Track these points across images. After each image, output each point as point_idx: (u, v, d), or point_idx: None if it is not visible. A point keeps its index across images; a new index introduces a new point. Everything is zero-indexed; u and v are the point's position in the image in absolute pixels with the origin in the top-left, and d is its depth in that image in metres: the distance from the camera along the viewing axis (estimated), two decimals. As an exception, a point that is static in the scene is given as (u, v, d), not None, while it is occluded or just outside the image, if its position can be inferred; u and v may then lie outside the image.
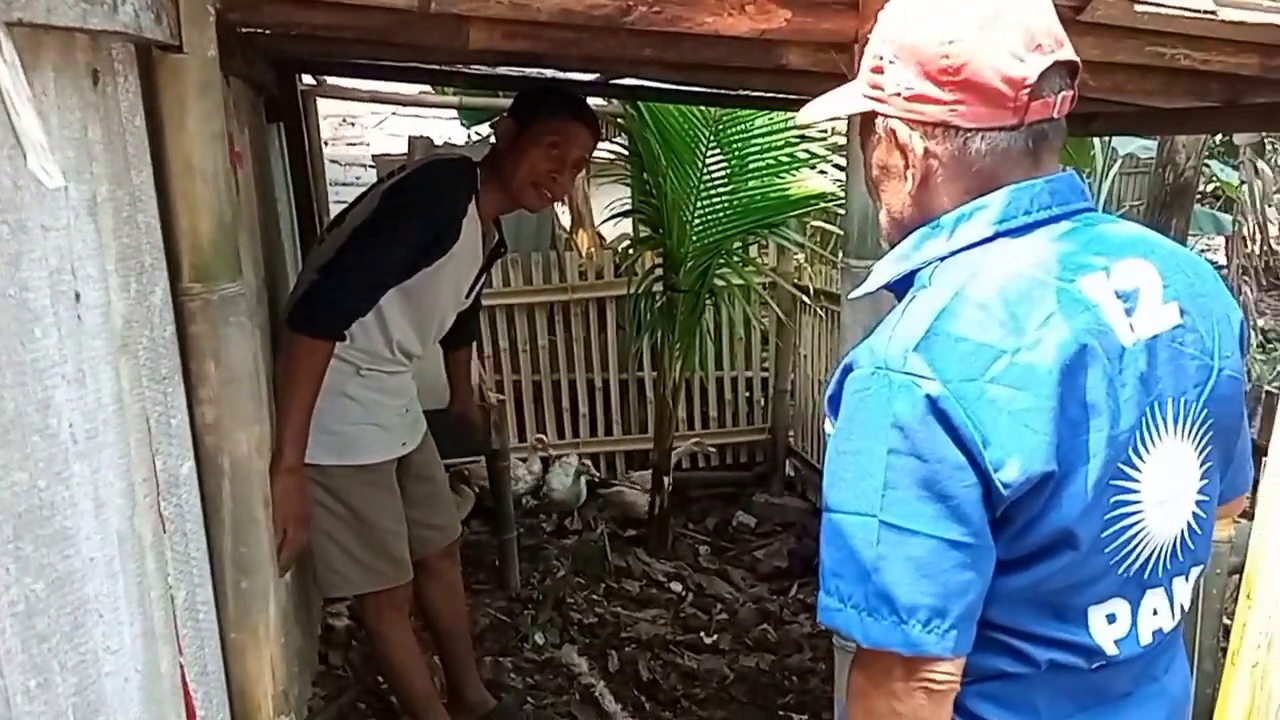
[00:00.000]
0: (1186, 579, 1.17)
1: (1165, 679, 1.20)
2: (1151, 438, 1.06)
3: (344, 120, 6.86)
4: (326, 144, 5.32)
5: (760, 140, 4.02)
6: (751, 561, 4.43)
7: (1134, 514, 1.06)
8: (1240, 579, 1.50)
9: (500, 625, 3.68)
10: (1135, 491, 1.05)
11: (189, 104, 1.35)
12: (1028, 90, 1.03)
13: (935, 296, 1.04)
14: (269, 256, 2.57)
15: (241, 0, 1.59)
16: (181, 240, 1.38)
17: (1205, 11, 1.56)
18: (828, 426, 1.12)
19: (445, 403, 3.05)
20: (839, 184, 3.81)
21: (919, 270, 1.11)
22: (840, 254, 2.35)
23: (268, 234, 2.61)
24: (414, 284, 2.36)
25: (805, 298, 4.86)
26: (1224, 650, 1.59)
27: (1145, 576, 1.10)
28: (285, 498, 2.13)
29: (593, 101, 4.46)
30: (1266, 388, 2.49)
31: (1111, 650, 1.10)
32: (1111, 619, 1.10)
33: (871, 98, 1.13)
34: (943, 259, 1.10)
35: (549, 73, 2.75)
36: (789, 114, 3.48)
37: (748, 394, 5.34)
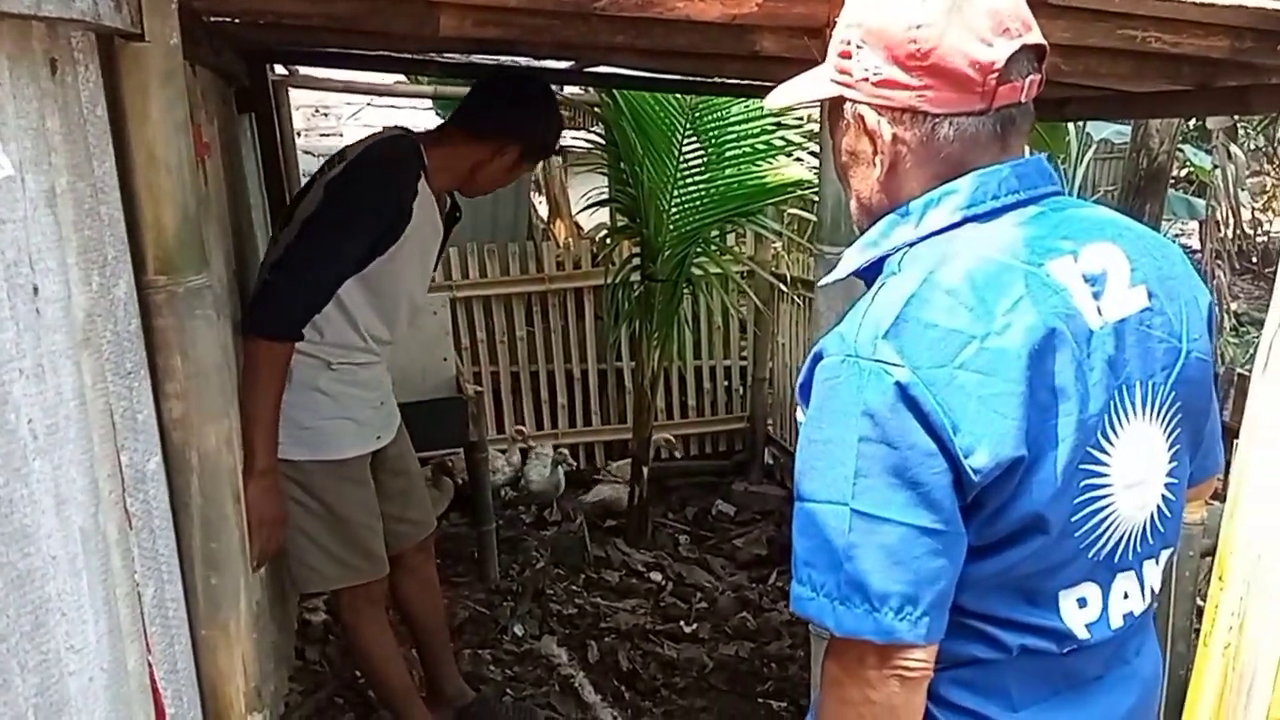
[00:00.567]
0: (1157, 562, 1.17)
1: (1136, 662, 1.21)
2: (1120, 421, 1.06)
3: (317, 110, 6.78)
4: (299, 135, 5.26)
5: (737, 128, 4.01)
6: (731, 550, 4.44)
7: (1104, 497, 1.06)
8: (1213, 561, 1.51)
9: (479, 617, 3.67)
10: (1105, 475, 1.06)
11: (152, 93, 1.32)
12: (995, 75, 1.03)
13: (904, 283, 1.04)
14: (239, 248, 2.54)
15: (205, -13, 1.57)
16: (146, 232, 1.36)
17: (1175, -6, 1.56)
18: (799, 415, 1.12)
19: (421, 395, 3.04)
20: (815, 171, 3.81)
21: (888, 257, 1.11)
22: (814, 241, 2.35)
23: (238, 226, 2.58)
24: (373, 272, 2.30)
25: (783, 286, 4.86)
26: (1197, 632, 1.59)
27: (1115, 560, 1.11)
28: (260, 501, 2.11)
29: (569, 90, 4.47)
30: (1239, 370, 2.51)
31: (1083, 634, 1.10)
32: (1082, 603, 1.10)
33: (839, 83, 1.12)
34: (912, 245, 1.09)
35: (523, 61, 2.72)
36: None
37: (726, 383, 5.35)
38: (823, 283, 1.38)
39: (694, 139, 3.98)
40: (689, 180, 4.04)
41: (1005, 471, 0.98)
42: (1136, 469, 1.08)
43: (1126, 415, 1.06)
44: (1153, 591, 1.19)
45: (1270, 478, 1.27)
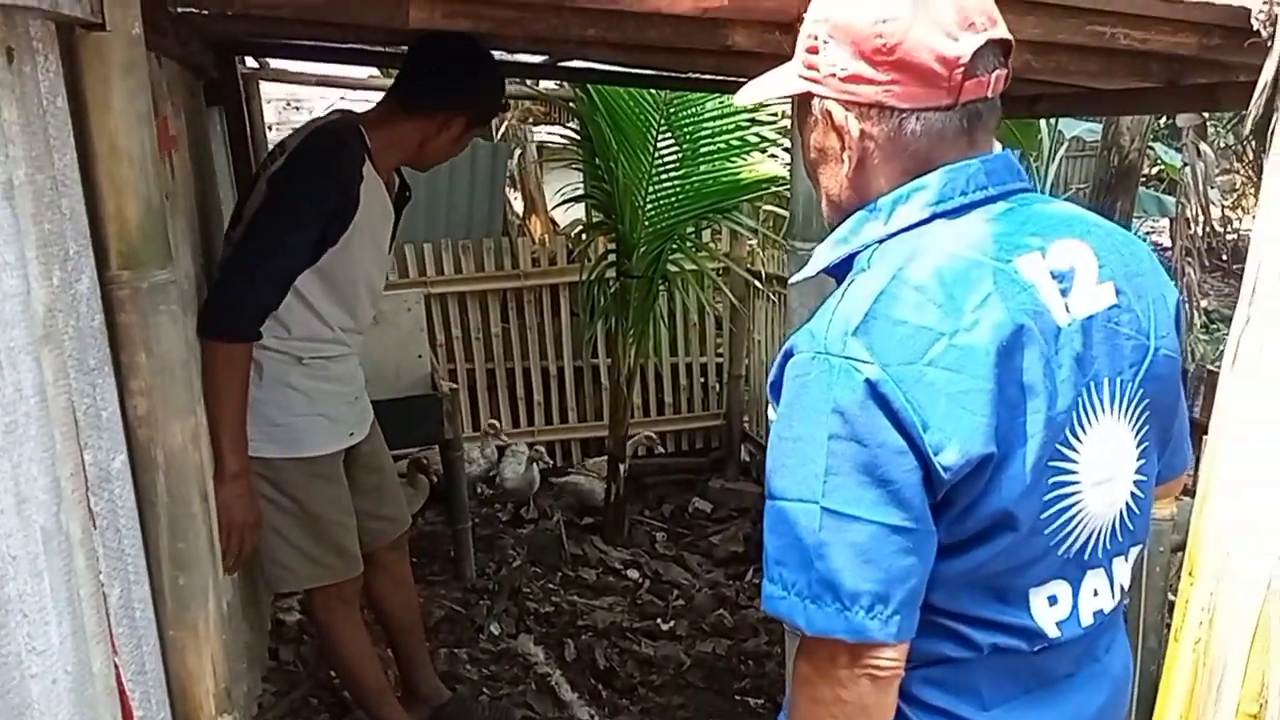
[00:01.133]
0: (1126, 559, 1.18)
1: (1107, 659, 1.21)
2: (1088, 418, 1.06)
3: (289, 104, 6.73)
4: (271, 128, 5.22)
5: (711, 124, 4.01)
6: (708, 547, 4.44)
7: (1072, 495, 1.06)
8: (1183, 556, 1.52)
9: (455, 616, 3.65)
10: (1073, 472, 1.06)
11: (113, 84, 1.30)
12: (961, 69, 1.03)
13: (873, 280, 1.04)
14: (207, 243, 2.50)
15: (171, -22, 1.55)
16: (108, 226, 1.34)
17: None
18: (771, 413, 1.11)
19: (396, 392, 3.01)
20: (789, 167, 3.82)
21: (858, 254, 1.11)
22: (787, 237, 2.35)
23: (206, 220, 2.54)
24: (327, 263, 2.25)
25: (758, 282, 4.86)
26: (1168, 627, 1.60)
27: (1085, 557, 1.11)
28: (232, 505, 2.08)
29: (544, 84, 4.45)
30: (1209, 367, 2.53)
31: (1053, 632, 1.10)
32: (1053, 601, 1.11)
33: (807, 78, 1.12)
34: (881, 241, 1.09)
35: (496, 54, 2.70)
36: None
37: (702, 380, 5.34)
38: (794, 279, 1.38)
39: (669, 135, 3.97)
40: (664, 176, 4.04)
41: (975, 469, 0.98)
42: (1105, 466, 1.09)
43: (1095, 412, 1.06)
44: (1122, 589, 1.19)
45: (1239, 473, 1.28)
